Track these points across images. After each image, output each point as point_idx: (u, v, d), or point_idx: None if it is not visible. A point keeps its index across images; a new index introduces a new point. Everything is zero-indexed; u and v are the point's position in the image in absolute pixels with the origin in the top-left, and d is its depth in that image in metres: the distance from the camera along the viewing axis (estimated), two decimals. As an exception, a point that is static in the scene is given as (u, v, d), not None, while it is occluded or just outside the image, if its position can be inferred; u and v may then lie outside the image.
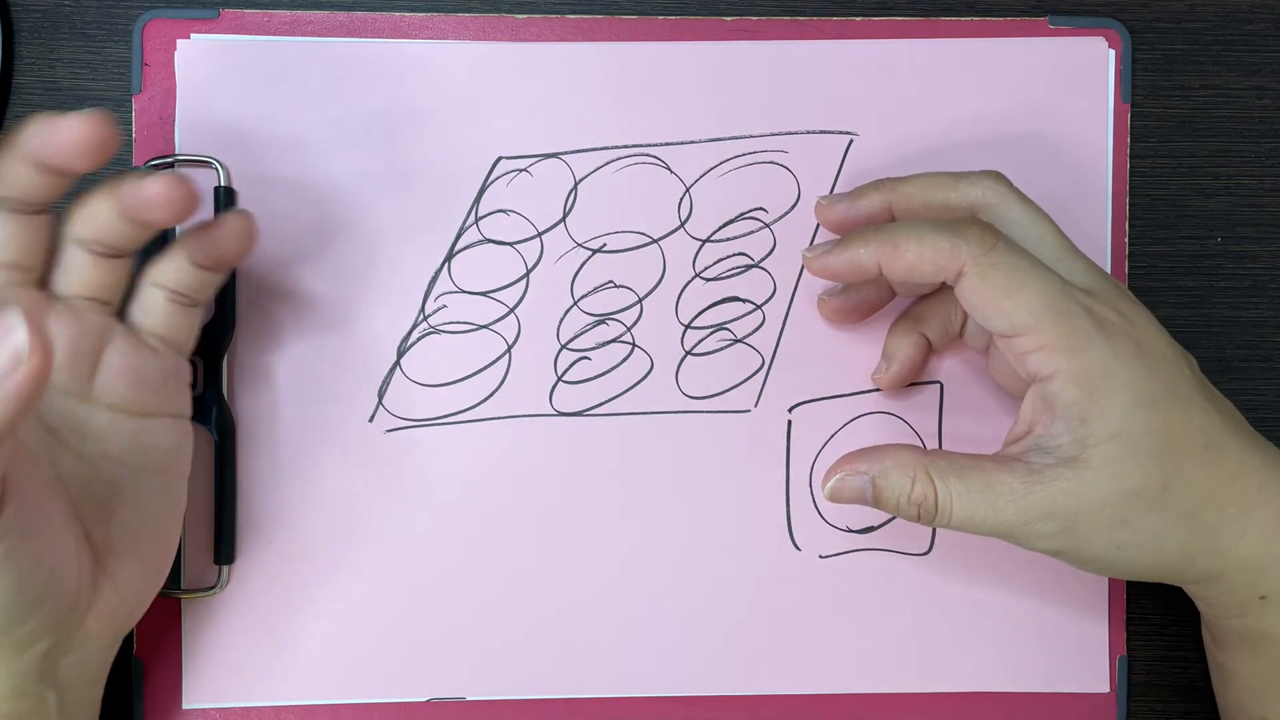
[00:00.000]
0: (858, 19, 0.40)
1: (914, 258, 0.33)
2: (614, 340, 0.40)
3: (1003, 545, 0.40)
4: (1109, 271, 0.40)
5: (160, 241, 0.35)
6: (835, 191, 0.40)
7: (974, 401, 0.40)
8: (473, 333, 0.40)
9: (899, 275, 0.34)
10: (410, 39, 0.40)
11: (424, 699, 0.39)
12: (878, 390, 0.40)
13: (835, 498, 0.35)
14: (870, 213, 0.36)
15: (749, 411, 0.40)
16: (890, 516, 0.40)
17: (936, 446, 0.40)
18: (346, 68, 0.39)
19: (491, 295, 0.40)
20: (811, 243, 0.40)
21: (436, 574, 0.39)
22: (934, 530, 0.40)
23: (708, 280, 0.40)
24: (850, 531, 0.40)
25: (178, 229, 0.37)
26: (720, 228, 0.40)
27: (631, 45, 0.40)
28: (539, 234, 0.40)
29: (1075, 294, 0.33)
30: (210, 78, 0.39)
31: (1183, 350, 0.34)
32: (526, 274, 0.40)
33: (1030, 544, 0.34)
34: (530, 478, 0.40)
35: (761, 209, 0.40)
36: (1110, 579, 0.40)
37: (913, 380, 0.39)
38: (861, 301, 0.39)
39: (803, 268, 0.40)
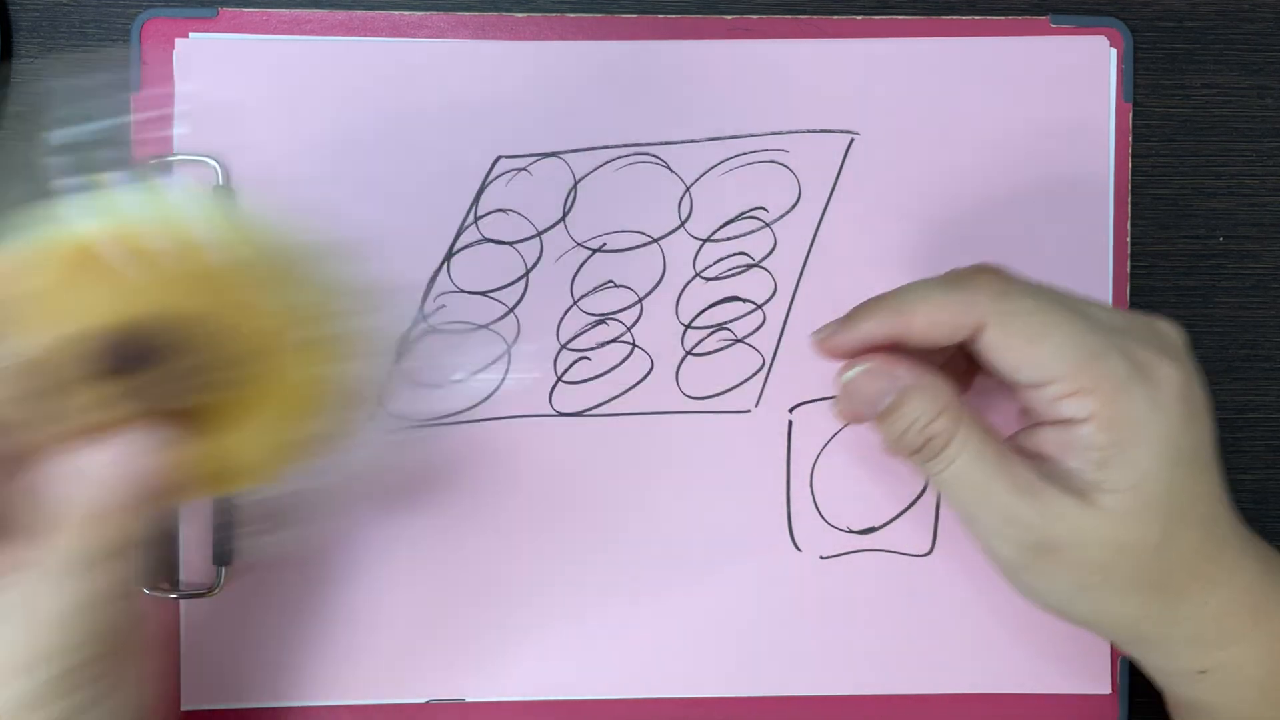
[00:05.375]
0: (858, 18, 0.40)
1: (926, 322, 0.31)
2: (614, 340, 0.40)
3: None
4: (1110, 271, 0.40)
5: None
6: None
7: (973, 402, 0.40)
8: (472, 332, 0.40)
9: (915, 343, 0.32)
10: (410, 38, 0.39)
11: (423, 700, 0.39)
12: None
13: (850, 389, 0.32)
14: (871, 337, 0.33)
15: (749, 411, 0.40)
16: (891, 518, 0.40)
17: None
18: (346, 67, 0.39)
19: (491, 295, 0.40)
20: (812, 242, 0.40)
21: (436, 574, 0.39)
22: (935, 531, 0.40)
23: (708, 280, 0.40)
24: (851, 532, 0.40)
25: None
26: (720, 227, 0.40)
27: (631, 44, 0.40)
28: (538, 233, 0.40)
29: (1106, 333, 0.31)
30: (209, 77, 0.39)
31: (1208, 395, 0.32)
32: (526, 274, 0.40)
33: (993, 541, 0.32)
34: (530, 478, 0.39)
35: (762, 209, 0.40)
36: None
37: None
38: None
39: (803, 268, 0.40)
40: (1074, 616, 0.33)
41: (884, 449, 0.34)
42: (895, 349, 0.33)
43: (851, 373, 0.32)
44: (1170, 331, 0.32)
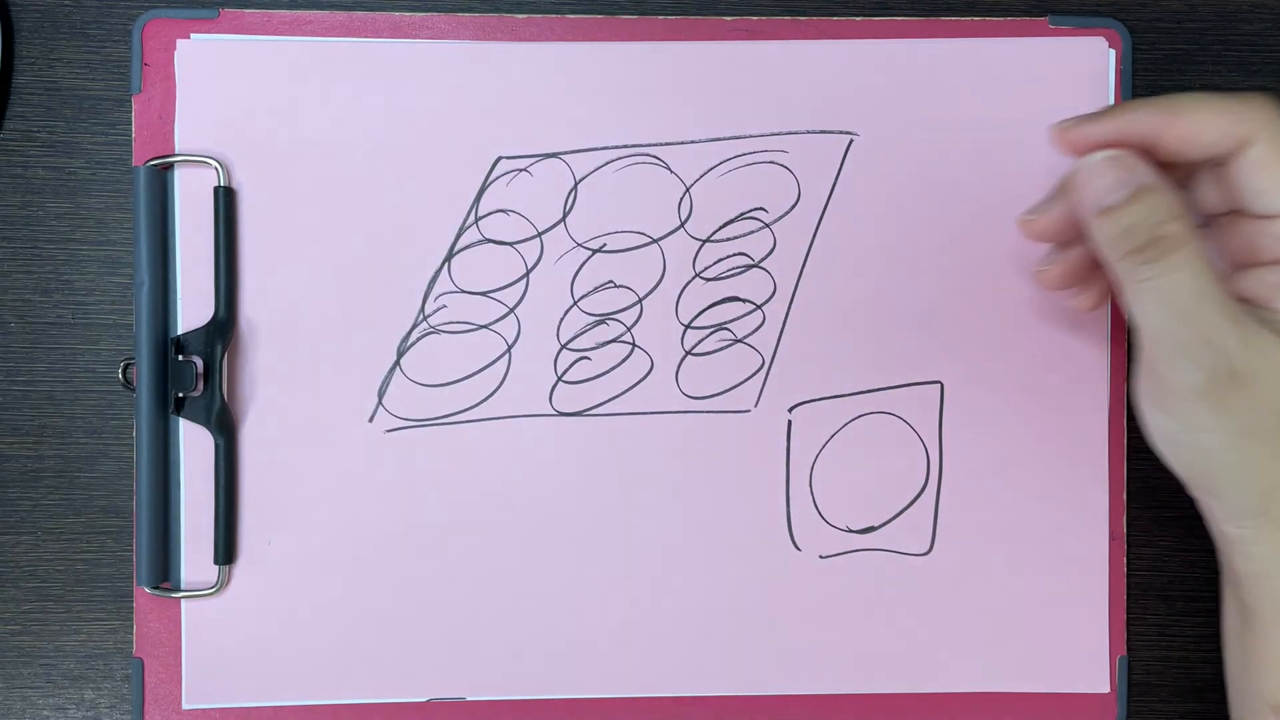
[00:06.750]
0: (858, 19, 0.40)
1: (1193, 125, 0.31)
2: (614, 340, 0.40)
3: (1002, 545, 0.40)
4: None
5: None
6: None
7: (974, 401, 0.40)
8: (473, 333, 0.40)
9: (1174, 143, 0.31)
10: (410, 39, 0.40)
11: (424, 699, 0.39)
12: (878, 390, 0.40)
13: (1084, 177, 0.32)
14: (1124, 131, 0.32)
15: (749, 411, 0.40)
16: (890, 517, 0.40)
17: (936, 447, 0.40)
18: (346, 68, 0.39)
19: (491, 295, 0.40)
20: (812, 242, 0.40)
21: (436, 574, 0.39)
22: (934, 531, 0.40)
23: (708, 280, 0.40)
24: (850, 532, 0.40)
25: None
26: (720, 228, 0.40)
27: (631, 45, 0.40)
28: (539, 234, 0.40)
29: None
30: (210, 78, 0.39)
31: None
32: (526, 274, 0.40)
33: (1182, 361, 0.30)
34: (530, 478, 0.40)
35: (761, 209, 0.40)
36: (1110, 575, 0.40)
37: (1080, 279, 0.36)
38: (1078, 264, 0.35)
39: (803, 268, 0.40)
40: (1217, 469, 0.32)
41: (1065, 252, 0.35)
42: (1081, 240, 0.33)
43: (1095, 156, 0.31)
44: None
